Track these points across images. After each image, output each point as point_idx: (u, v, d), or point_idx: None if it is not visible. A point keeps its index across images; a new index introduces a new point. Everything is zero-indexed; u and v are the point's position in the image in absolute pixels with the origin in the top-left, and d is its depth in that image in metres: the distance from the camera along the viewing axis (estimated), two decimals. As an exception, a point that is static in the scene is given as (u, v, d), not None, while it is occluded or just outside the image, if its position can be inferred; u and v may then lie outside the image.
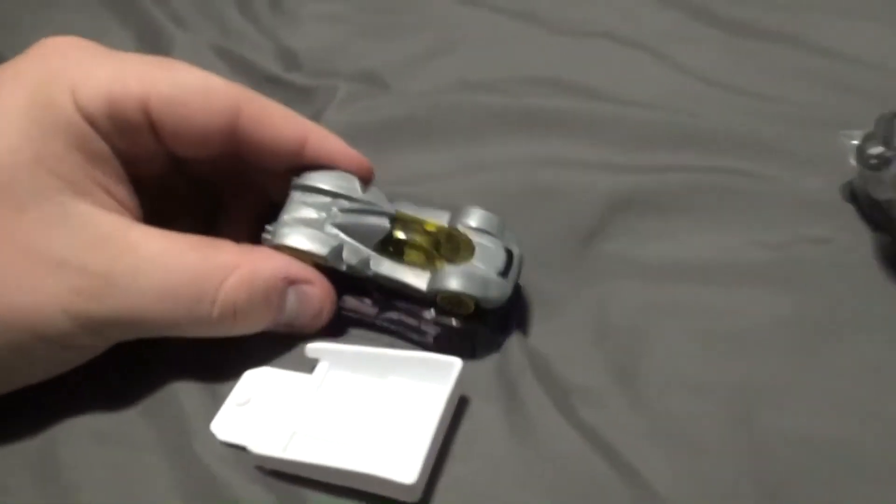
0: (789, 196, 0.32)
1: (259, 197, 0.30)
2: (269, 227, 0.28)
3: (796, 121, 0.35)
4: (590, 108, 0.35)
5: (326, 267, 0.27)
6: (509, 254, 0.28)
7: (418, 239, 0.28)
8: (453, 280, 0.26)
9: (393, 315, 0.28)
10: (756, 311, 0.28)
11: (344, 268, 0.27)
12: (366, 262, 0.27)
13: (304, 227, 0.27)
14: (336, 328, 0.28)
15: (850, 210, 0.31)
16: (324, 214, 0.27)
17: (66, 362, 0.26)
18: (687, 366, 0.27)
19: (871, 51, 0.37)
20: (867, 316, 0.28)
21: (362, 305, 0.28)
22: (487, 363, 0.27)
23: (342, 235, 0.27)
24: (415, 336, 0.28)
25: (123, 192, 0.25)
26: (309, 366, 0.27)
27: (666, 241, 0.31)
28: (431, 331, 0.27)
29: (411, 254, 0.28)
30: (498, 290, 0.27)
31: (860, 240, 0.30)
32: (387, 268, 0.27)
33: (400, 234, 0.28)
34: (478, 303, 0.27)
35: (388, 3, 0.43)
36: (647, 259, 0.30)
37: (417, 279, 0.27)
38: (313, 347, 0.27)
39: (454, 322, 0.27)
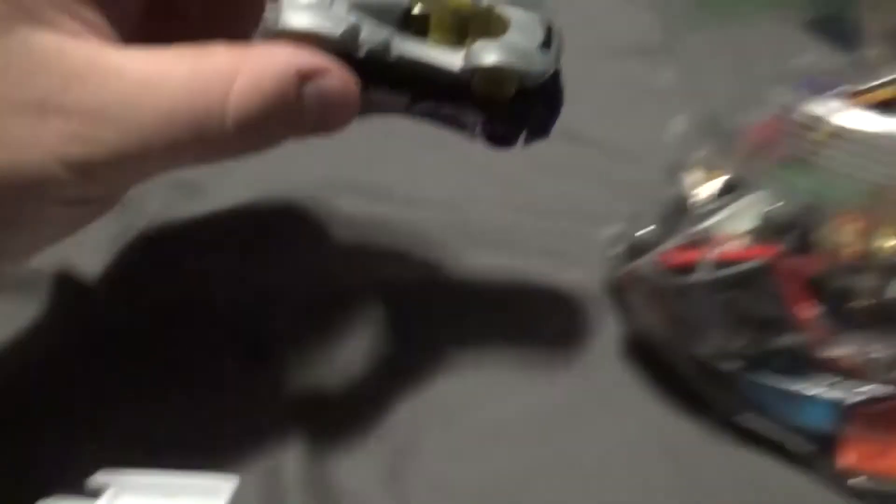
0: (550, 289, 0.33)
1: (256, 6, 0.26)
2: (266, 15, 0.24)
3: (561, 214, 0.37)
4: (373, 209, 0.36)
5: (340, 55, 0.23)
6: (548, 28, 0.25)
7: (443, 14, 0.24)
8: (491, 54, 0.23)
9: (428, 104, 0.24)
10: (513, 402, 0.29)
11: (362, 53, 0.23)
12: (386, 44, 0.23)
13: (307, 6, 0.23)
14: (367, 125, 0.25)
15: (605, 303, 0.32)
16: None
17: (77, 220, 0.23)
18: (447, 466, 0.28)
19: (637, 146, 0.39)
20: (610, 405, 0.30)
21: (390, 96, 0.24)
22: (259, 478, 0.27)
23: (355, 14, 0.23)
24: (455, 126, 0.25)
25: (88, 11, 0.22)
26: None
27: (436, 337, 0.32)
28: (473, 118, 0.24)
29: (436, 32, 0.24)
30: (542, 63, 0.24)
31: (612, 332, 0.32)
32: (411, 48, 0.24)
33: (421, 9, 0.24)
34: (521, 79, 0.24)
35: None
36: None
37: (449, 59, 0.24)
38: (98, 479, 0.24)
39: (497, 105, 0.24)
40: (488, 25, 0.24)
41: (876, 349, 0.25)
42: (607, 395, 0.30)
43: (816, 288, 0.25)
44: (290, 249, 0.34)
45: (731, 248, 0.25)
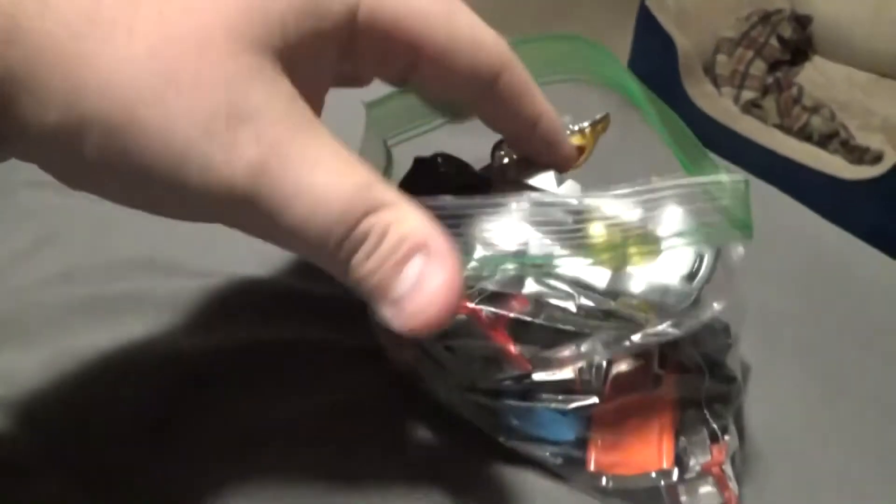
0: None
1: None
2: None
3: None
4: (173, 285, 0.34)
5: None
6: (699, 257, 0.27)
7: (604, 237, 0.26)
8: (634, 284, 0.26)
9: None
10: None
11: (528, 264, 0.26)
12: (549, 258, 0.26)
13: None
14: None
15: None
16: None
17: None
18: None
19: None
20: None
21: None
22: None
23: (527, 227, 0.26)
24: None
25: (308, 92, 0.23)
26: None
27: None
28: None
29: (595, 251, 0.26)
30: (677, 297, 0.26)
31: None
32: (567, 263, 0.26)
33: (586, 231, 0.26)
34: (658, 310, 0.26)
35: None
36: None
37: (597, 277, 0.26)
38: None
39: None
40: (644, 248, 0.26)
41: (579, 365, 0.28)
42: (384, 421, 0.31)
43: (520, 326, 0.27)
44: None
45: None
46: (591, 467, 0.28)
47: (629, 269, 0.26)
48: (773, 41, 1.31)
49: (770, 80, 1.27)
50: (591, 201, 0.26)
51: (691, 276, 0.26)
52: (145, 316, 0.34)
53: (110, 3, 0.20)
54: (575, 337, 0.27)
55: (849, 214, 0.45)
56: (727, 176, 0.26)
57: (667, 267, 0.26)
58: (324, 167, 0.21)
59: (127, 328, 0.33)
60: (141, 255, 0.37)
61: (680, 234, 0.26)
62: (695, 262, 0.26)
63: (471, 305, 0.26)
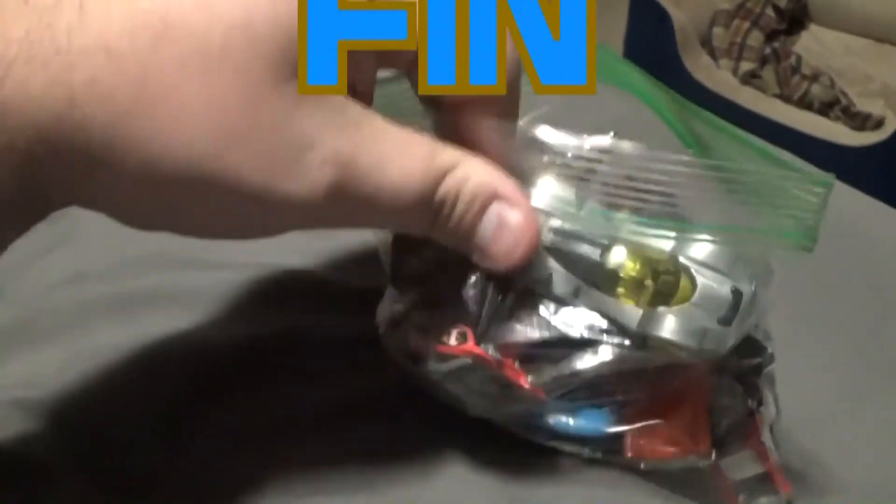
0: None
1: None
2: None
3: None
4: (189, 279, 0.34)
5: None
6: (737, 295, 0.24)
7: (634, 270, 0.25)
8: (666, 326, 0.24)
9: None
10: None
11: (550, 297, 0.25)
12: (575, 293, 0.25)
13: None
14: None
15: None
16: None
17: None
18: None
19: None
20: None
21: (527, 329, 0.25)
22: None
23: (551, 262, 0.25)
24: None
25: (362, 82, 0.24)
26: None
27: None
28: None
29: (623, 286, 0.25)
30: (714, 342, 0.24)
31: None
32: (594, 299, 0.25)
33: (614, 264, 0.25)
34: (693, 356, 0.24)
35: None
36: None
37: (626, 316, 0.25)
38: None
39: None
40: (676, 286, 0.25)
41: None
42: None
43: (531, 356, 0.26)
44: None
45: (443, 346, 0.26)
46: (629, 454, 0.28)
47: (660, 308, 0.24)
48: (769, 11, 1.30)
49: (768, 50, 1.26)
50: (617, 229, 0.25)
51: (727, 318, 0.24)
52: (163, 311, 0.33)
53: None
54: (589, 344, 0.25)
55: (854, 181, 0.44)
56: (802, 174, 0.24)
57: (700, 308, 0.24)
58: (393, 160, 0.23)
59: (145, 324, 0.33)
60: (154, 251, 0.36)
61: (714, 268, 0.24)
62: (731, 301, 0.24)
63: (475, 350, 0.26)
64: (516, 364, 0.26)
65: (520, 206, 0.24)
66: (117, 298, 0.34)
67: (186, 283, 0.34)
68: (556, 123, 0.26)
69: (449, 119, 0.26)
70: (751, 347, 0.28)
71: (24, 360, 0.32)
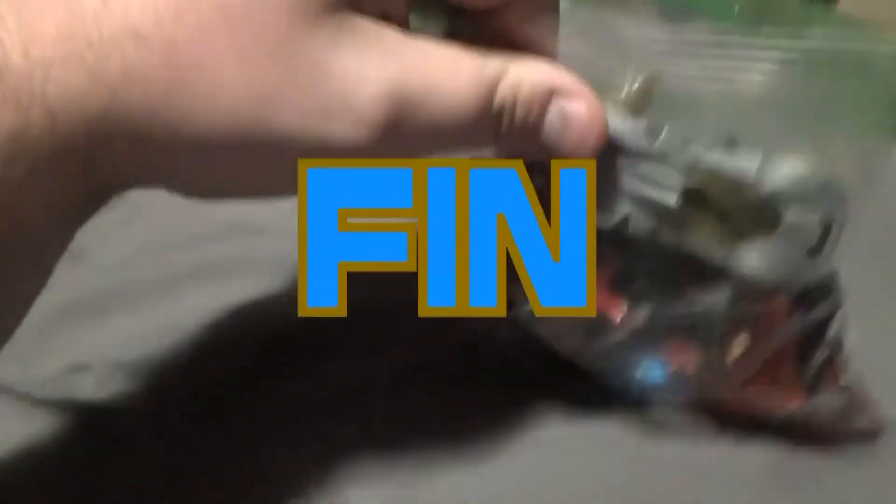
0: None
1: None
2: None
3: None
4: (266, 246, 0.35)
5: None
6: (826, 225, 0.23)
7: (715, 203, 0.24)
8: (752, 261, 0.23)
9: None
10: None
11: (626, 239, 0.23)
12: (653, 232, 0.23)
13: None
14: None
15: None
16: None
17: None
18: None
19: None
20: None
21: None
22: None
23: (626, 204, 0.24)
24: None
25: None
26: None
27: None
28: None
29: (704, 221, 0.24)
30: (805, 273, 0.23)
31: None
32: (674, 238, 0.23)
33: (694, 198, 0.23)
34: (781, 290, 0.23)
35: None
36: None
37: (709, 253, 0.23)
38: None
39: None
40: (761, 217, 0.23)
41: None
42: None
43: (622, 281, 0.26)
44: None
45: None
46: (729, 406, 0.28)
47: (746, 244, 0.23)
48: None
49: None
50: (703, 152, 0.23)
51: (816, 248, 0.23)
52: (246, 276, 0.34)
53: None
54: (696, 279, 0.24)
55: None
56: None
57: (786, 240, 0.23)
58: (444, 82, 0.22)
59: (230, 290, 0.33)
60: (227, 220, 0.37)
61: (800, 198, 0.23)
62: (820, 232, 0.23)
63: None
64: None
65: (580, 97, 0.23)
66: (201, 265, 0.35)
67: (264, 250, 0.35)
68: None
69: (483, 27, 0.25)
70: (823, 290, 0.27)
71: (117, 324, 0.33)
